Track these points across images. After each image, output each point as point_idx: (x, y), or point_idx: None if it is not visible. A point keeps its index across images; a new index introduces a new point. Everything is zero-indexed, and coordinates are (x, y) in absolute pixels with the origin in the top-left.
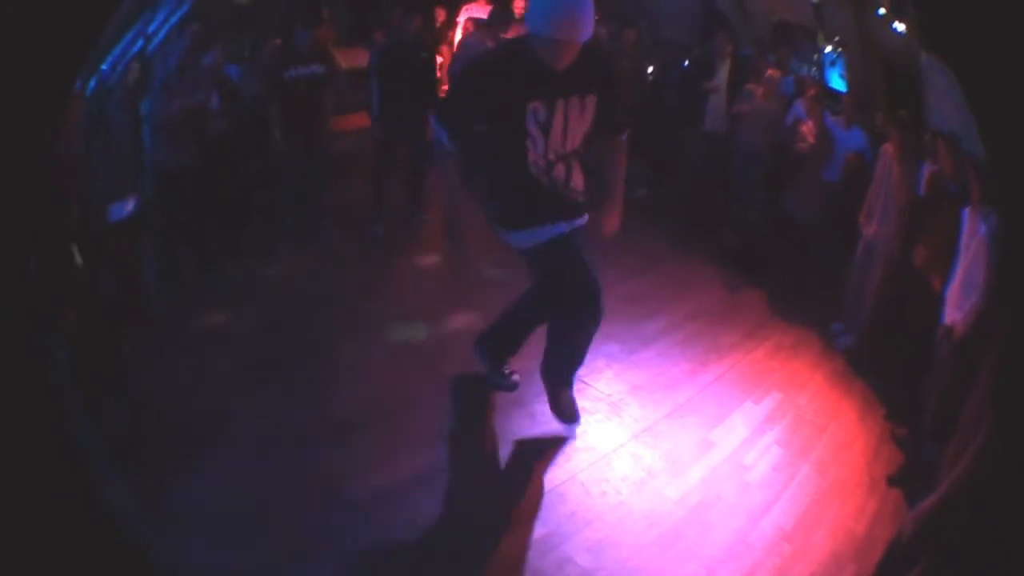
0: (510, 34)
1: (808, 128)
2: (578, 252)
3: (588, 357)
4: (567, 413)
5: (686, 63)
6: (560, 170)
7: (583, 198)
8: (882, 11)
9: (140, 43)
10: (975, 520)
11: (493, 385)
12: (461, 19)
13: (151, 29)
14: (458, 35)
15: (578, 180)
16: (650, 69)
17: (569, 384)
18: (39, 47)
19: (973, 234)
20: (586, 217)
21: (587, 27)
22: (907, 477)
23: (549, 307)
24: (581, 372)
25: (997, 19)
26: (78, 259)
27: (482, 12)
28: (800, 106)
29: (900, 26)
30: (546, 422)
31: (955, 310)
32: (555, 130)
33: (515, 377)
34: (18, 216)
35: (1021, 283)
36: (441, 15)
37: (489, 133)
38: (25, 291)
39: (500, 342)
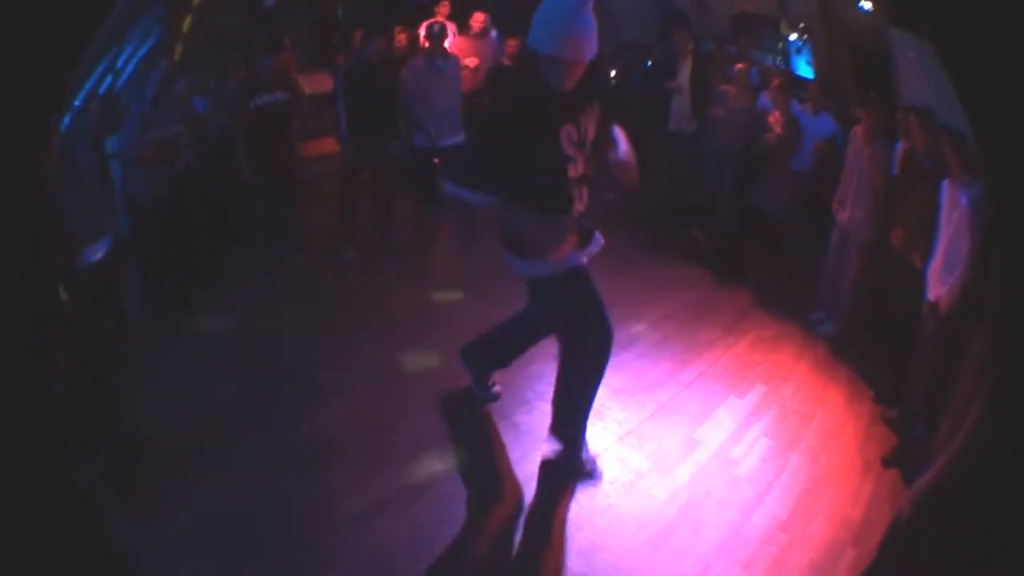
0: (451, 46)
1: (775, 118)
2: (594, 288)
3: None
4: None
5: (648, 64)
6: (585, 186)
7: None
8: None
9: (109, 79)
10: (974, 494)
11: (475, 397)
12: (422, 33)
13: (119, 64)
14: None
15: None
16: (612, 73)
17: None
18: (16, 81)
19: (954, 207)
20: (599, 241)
21: (593, 45)
22: (901, 458)
23: (565, 352)
24: None
25: None
26: (61, 302)
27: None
28: (766, 97)
29: (867, 4)
30: (529, 432)
31: (939, 285)
32: (587, 145)
33: (496, 388)
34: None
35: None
36: (399, 33)
37: (528, 166)
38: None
39: (487, 356)
